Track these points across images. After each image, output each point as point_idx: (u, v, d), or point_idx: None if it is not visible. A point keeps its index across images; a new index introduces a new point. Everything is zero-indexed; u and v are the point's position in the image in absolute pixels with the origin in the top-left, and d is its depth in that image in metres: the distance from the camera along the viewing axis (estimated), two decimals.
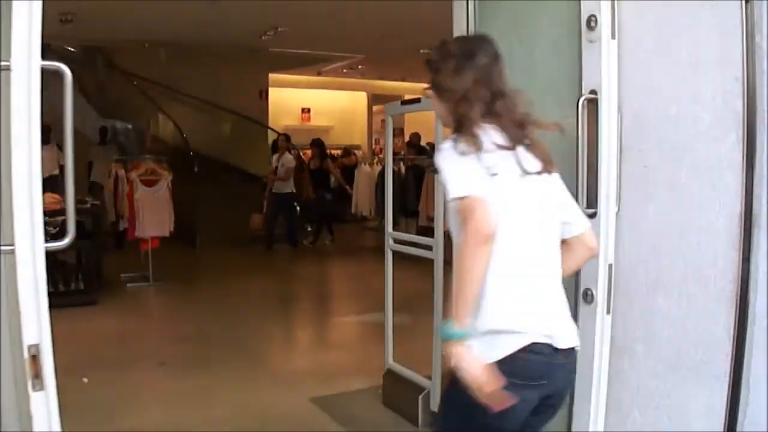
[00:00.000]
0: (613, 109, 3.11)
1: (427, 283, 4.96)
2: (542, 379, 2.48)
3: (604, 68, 3.12)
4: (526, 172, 2.56)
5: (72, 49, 15.70)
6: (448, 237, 3.21)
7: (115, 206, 10.84)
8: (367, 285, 10.60)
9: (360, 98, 21.50)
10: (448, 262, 3.86)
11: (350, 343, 8.11)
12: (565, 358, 2.55)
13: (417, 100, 4.75)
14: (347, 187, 14.64)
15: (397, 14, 11.68)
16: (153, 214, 10.02)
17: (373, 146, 21.69)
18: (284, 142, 13.79)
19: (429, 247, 4.78)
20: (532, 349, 2.44)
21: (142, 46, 14.14)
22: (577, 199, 2.97)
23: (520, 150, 2.59)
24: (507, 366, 2.39)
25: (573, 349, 2.59)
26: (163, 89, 15.90)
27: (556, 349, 2.49)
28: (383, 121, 22.44)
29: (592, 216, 3.05)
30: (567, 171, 2.96)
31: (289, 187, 13.42)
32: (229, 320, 8.31)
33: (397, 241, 5.38)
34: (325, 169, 14.41)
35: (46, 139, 13.22)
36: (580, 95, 3.15)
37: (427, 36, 13.61)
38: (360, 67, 17.88)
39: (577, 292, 3.24)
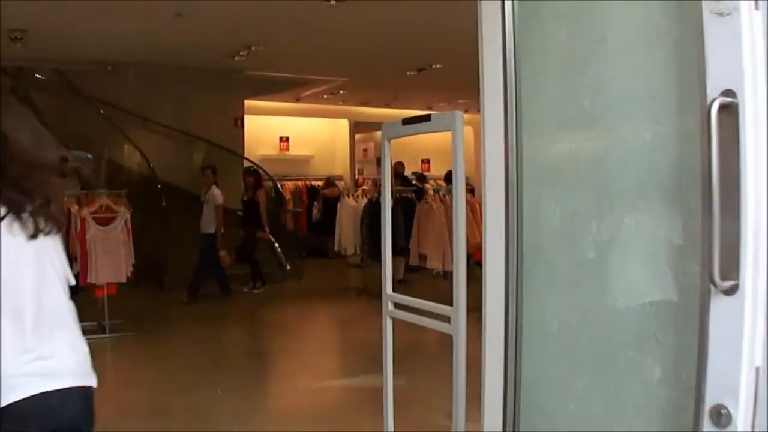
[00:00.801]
0: (763, 119, 1.95)
1: (420, 332, 4.25)
2: None
3: (747, 55, 1.94)
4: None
5: (39, 76, 14.60)
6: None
7: (67, 247, 9.55)
8: (352, 336, 9.47)
9: (341, 126, 20.35)
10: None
11: (337, 415, 6.87)
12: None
13: (425, 118, 3.60)
14: (266, 230, 13.13)
15: (382, 33, 10.61)
16: (107, 257, 8.81)
17: (356, 176, 20.55)
18: (210, 175, 12.17)
19: (446, 319, 3.58)
20: None
21: (105, 68, 12.94)
22: (700, 260, 1.87)
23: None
24: None
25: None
26: (128, 116, 14.77)
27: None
28: (365, 150, 21.70)
29: (730, 291, 1.88)
30: (673, 217, 2.03)
31: (213, 227, 11.80)
32: (192, 383, 7.08)
33: (398, 305, 4.19)
34: (256, 201, 12.88)
35: None
36: (708, 100, 1.98)
37: (414, 57, 12.68)
38: (341, 92, 16.77)
39: (700, 409, 2.06)
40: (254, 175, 13.00)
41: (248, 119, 17.36)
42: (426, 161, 21.28)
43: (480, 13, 3.01)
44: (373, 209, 11.95)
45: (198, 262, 11.76)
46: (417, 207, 10.98)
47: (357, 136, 20.86)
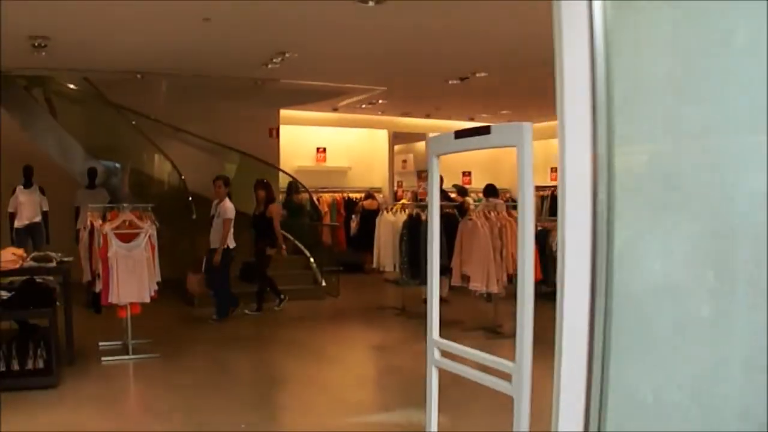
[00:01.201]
0: None
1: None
2: None
3: None
4: None
5: (73, 86, 14.22)
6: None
7: (90, 263, 9.03)
8: (389, 364, 8.88)
9: (380, 137, 19.73)
10: None
11: None
12: None
13: (483, 130, 2.98)
14: (282, 247, 12.39)
15: (423, 38, 10.00)
16: (130, 276, 8.26)
17: (395, 189, 19.93)
18: (221, 186, 11.29)
19: (506, 376, 2.95)
20: None
21: (135, 77, 12.43)
22: None
23: None
24: None
25: None
26: (160, 126, 14.33)
27: None
28: (404, 161, 21.07)
29: None
30: None
31: (226, 242, 11.10)
32: (214, 416, 6.51)
33: (446, 353, 3.58)
34: (268, 216, 12.02)
35: (27, 183, 11.92)
36: None
37: (458, 65, 12.02)
38: (380, 102, 16.15)
39: None
40: (266, 188, 12.22)
41: (284, 129, 16.94)
42: (467, 173, 20.63)
43: (558, 10, 2.38)
44: (413, 226, 11.35)
45: (214, 283, 11.23)
46: (460, 224, 10.33)
47: (396, 147, 20.25)
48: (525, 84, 13.65)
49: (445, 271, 10.78)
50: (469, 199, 16.60)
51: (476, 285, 9.80)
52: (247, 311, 11.65)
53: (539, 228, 12.37)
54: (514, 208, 11.00)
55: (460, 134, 3.10)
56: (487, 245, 9.75)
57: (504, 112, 18.26)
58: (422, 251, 11.18)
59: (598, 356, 2.26)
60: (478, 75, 12.66)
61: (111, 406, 6.88)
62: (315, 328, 11.15)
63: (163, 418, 6.48)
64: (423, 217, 11.34)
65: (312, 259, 14.21)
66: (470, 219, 10.11)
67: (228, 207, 11.03)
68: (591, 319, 2.28)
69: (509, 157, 21.77)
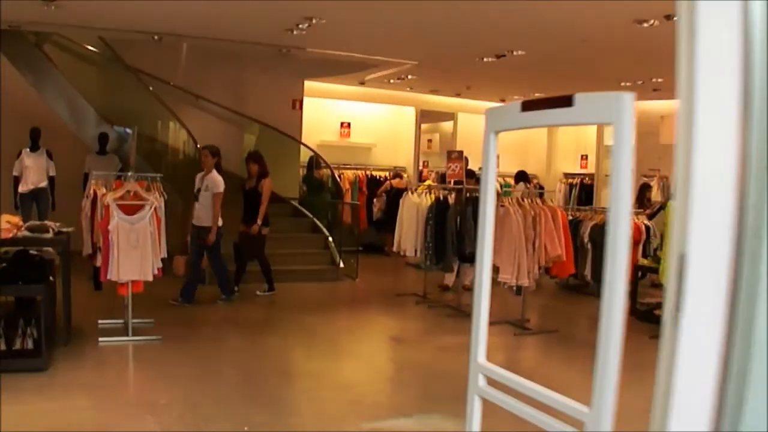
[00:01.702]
0: None
1: None
2: None
3: None
4: None
5: (92, 48, 13.57)
6: None
7: (92, 235, 8.37)
8: (409, 359, 8.20)
9: (407, 114, 18.93)
10: None
11: None
12: None
13: (561, 101, 2.27)
14: (258, 225, 10.90)
15: (460, 9, 9.24)
16: (132, 252, 7.60)
17: (420, 169, 19.18)
18: (208, 156, 10.20)
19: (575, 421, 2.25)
20: None
21: (152, 38, 11.73)
22: None
23: None
24: None
25: None
26: (178, 92, 13.69)
27: None
28: (430, 141, 20.28)
29: None
30: None
31: (209, 221, 10.00)
32: (216, 413, 5.85)
33: (494, 381, 2.88)
34: (259, 191, 10.95)
35: (34, 146, 11.28)
36: None
37: (494, 40, 11.28)
38: (409, 77, 15.38)
39: None
40: (258, 161, 11.20)
41: (308, 102, 16.24)
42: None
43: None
44: (440, 209, 10.65)
45: (210, 262, 10.39)
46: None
47: (423, 126, 19.43)
48: (564, 64, 12.94)
49: (471, 258, 10.13)
50: (496, 184, 15.85)
51: (506, 277, 9.10)
52: (258, 292, 11.00)
53: (570, 218, 11.74)
54: (541, 195, 10.33)
55: (530, 106, 2.40)
56: (520, 235, 9.05)
57: (538, 94, 17.46)
58: (448, 236, 10.50)
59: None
60: (515, 53, 11.91)
61: (101, 397, 6.21)
62: (330, 313, 10.51)
63: (159, 413, 5.82)
64: (450, 201, 10.64)
65: (330, 239, 13.55)
66: (502, 205, 9.39)
67: (217, 180, 10.02)
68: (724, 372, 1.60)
69: (539, 141, 21.16)
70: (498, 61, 12.56)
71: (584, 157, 20.56)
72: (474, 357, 2.83)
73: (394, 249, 11.85)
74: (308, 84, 16.08)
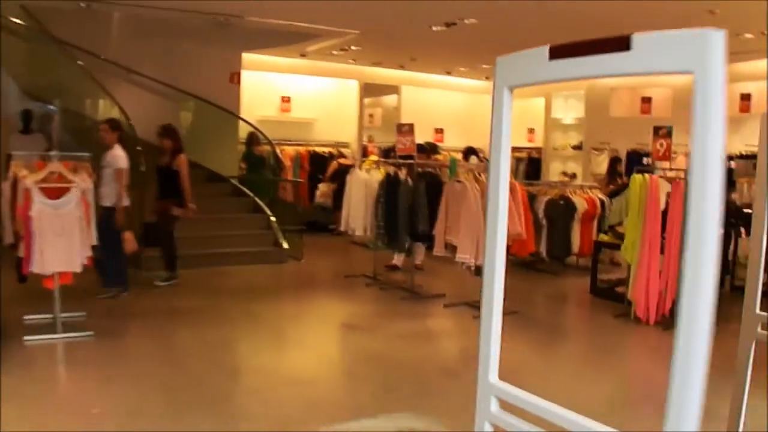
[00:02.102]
0: None
1: None
2: None
3: None
4: None
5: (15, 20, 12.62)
6: None
7: (13, 222, 7.58)
8: (364, 349, 7.61)
9: (350, 88, 18.26)
10: None
11: None
12: None
13: (614, 43, 1.66)
14: (189, 206, 10.04)
15: None
16: (58, 240, 6.87)
17: (365, 144, 18.55)
18: (108, 130, 9.21)
19: None
20: None
21: (78, 6, 10.92)
22: None
23: None
24: None
25: None
26: (108, 66, 12.85)
27: None
28: (371, 116, 19.61)
29: None
30: None
31: (112, 200, 8.85)
32: (159, 418, 5.20)
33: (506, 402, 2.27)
34: (174, 169, 10.04)
35: None
36: None
37: (443, 8, 10.52)
38: (352, 48, 14.72)
39: None
40: (171, 135, 10.29)
41: (246, 75, 15.58)
42: (439, 130, 19.33)
43: None
44: (391, 186, 10.05)
45: (107, 248, 8.81)
46: (446, 186, 9.08)
47: (366, 100, 18.79)
48: (518, 33, 12.38)
49: (426, 238, 9.59)
50: (440, 158, 15.30)
51: (464, 256, 8.57)
52: (157, 282, 10.01)
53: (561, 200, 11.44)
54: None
55: (562, 51, 1.81)
56: (478, 212, 8.51)
57: (485, 66, 16.96)
58: (400, 215, 9.92)
59: None
60: (466, 21, 11.34)
61: (26, 406, 5.49)
62: (276, 299, 9.86)
63: (92, 424, 5.15)
64: (402, 177, 10.06)
65: (273, 218, 12.89)
66: (458, 181, 8.85)
67: (118, 155, 9.00)
68: None
69: (484, 114, 20.42)
70: (448, 30, 11.99)
71: (531, 131, 20.15)
72: (484, 375, 2.23)
73: (342, 228, 11.23)
74: (247, 57, 15.39)
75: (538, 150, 19.46)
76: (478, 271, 8.83)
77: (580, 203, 12.12)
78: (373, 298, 9.93)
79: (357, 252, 13.31)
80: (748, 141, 14.07)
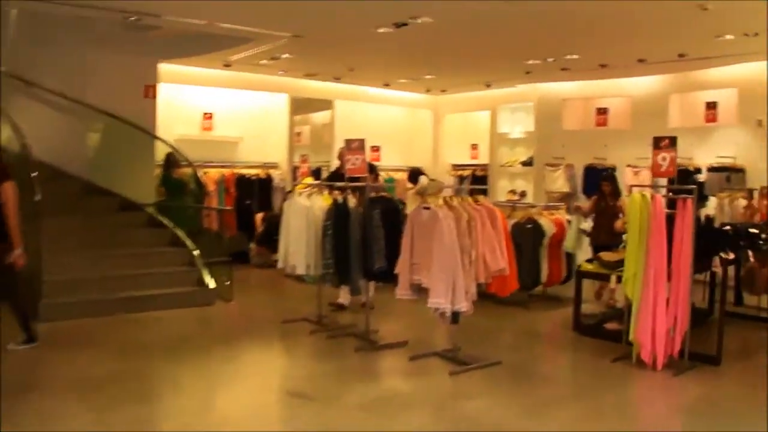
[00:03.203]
0: None
1: None
2: None
3: None
4: None
5: None
6: None
7: None
8: (315, 423, 5.87)
9: (279, 102, 16.49)
10: None
11: None
12: None
13: None
14: (17, 251, 7.49)
15: None
16: None
17: (297, 164, 16.83)
18: None
19: None
20: None
21: None
22: None
23: None
24: None
25: None
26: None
27: None
28: (299, 134, 17.63)
29: None
30: None
31: None
32: None
33: None
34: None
35: None
36: None
37: (393, 5, 8.83)
38: (284, 56, 13.02)
39: None
40: None
41: (163, 89, 13.90)
42: (375, 148, 17.74)
43: None
44: (340, 215, 8.41)
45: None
46: (411, 214, 7.44)
47: (297, 117, 17.03)
48: (478, 39, 11.00)
49: (384, 276, 8.01)
50: (380, 178, 13.81)
51: (437, 301, 6.94)
52: (11, 345, 7.78)
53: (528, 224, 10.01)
54: (473, 192, 8.26)
55: None
56: (453, 246, 6.91)
57: (429, 76, 15.50)
58: (352, 249, 8.30)
59: None
60: (420, 20, 9.80)
61: None
62: (201, 357, 7.92)
63: None
64: (353, 203, 8.44)
65: (196, 253, 11.14)
66: (426, 207, 7.22)
67: None
68: None
69: (424, 129, 19.13)
70: (396, 32, 10.43)
71: (475, 146, 18.73)
72: None
73: (280, 265, 9.48)
74: (164, 68, 13.65)
75: (483, 167, 18.03)
76: (455, 318, 7.23)
77: (549, 226, 10.71)
78: (321, 351, 8.24)
79: (294, 288, 11.65)
80: (716, 152, 12.95)
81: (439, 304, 6.86)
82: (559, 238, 10.95)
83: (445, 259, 6.84)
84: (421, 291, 7.26)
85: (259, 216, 15.25)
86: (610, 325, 8.88)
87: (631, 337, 7.54)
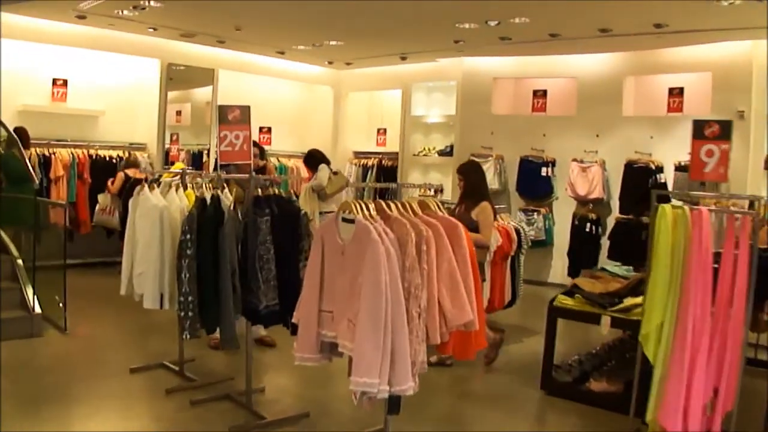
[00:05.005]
0: None
1: None
2: None
3: None
4: None
5: None
6: None
7: None
8: None
9: (149, 70, 13.51)
10: None
11: None
12: None
13: None
14: None
15: None
16: None
17: (168, 147, 13.79)
18: None
19: None
20: None
21: None
22: None
23: None
24: None
25: None
26: None
27: None
28: (179, 113, 13.93)
29: None
30: None
31: None
32: None
33: None
34: None
35: None
36: None
37: None
38: (151, 3, 10.02)
39: None
40: None
41: (4, 47, 10.87)
42: (265, 129, 14.97)
43: None
44: (208, 224, 5.51)
45: None
46: (322, 231, 4.55)
47: (170, 95, 13.97)
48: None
49: (267, 318, 5.24)
50: (270, 165, 11.08)
51: (363, 381, 4.07)
52: None
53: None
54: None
55: None
56: (395, 287, 4.07)
57: (333, 42, 12.71)
58: (224, 277, 5.43)
59: None
60: None
61: None
62: None
63: None
64: (229, 203, 5.58)
65: (20, 261, 8.16)
66: (347, 219, 4.37)
67: None
68: None
69: (323, 111, 16.46)
70: None
71: (382, 132, 16.11)
72: None
73: (123, 291, 6.47)
74: (3, 18, 10.52)
75: (393, 156, 15.41)
76: (394, 405, 4.40)
77: (494, 237, 8.04)
78: (183, 424, 5.40)
79: (148, 314, 8.68)
80: (684, 148, 10.54)
81: (368, 385, 4.02)
82: (506, 252, 8.41)
83: (381, 310, 4.00)
84: (334, 350, 4.44)
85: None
86: (597, 385, 6.30)
87: (649, 417, 4.91)
